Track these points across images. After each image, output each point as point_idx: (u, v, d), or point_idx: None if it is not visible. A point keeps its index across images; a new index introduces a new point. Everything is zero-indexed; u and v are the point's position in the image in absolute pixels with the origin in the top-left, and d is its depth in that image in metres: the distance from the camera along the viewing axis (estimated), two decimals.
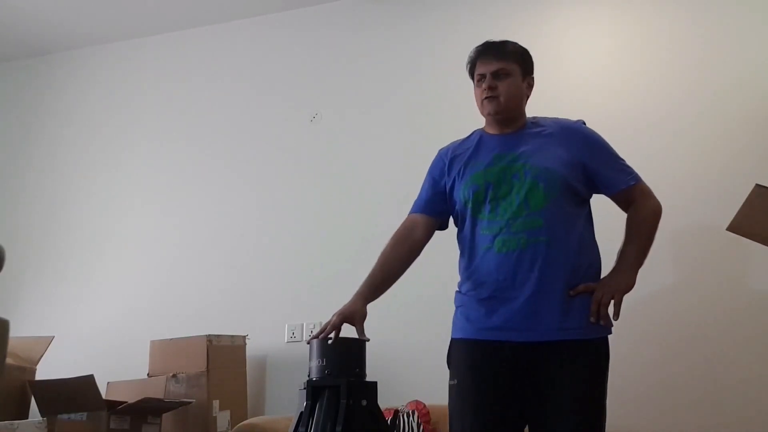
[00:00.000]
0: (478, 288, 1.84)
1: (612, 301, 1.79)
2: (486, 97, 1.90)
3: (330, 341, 1.74)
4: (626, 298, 2.72)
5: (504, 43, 1.96)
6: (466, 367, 1.82)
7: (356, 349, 1.77)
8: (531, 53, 2.00)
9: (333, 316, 1.80)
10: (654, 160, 2.90)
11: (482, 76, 1.92)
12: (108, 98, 4.03)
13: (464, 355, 1.83)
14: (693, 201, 2.80)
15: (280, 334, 3.24)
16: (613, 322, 1.82)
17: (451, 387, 1.83)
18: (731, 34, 2.96)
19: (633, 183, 1.90)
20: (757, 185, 1.85)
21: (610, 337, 1.83)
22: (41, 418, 2.41)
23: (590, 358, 1.76)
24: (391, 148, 3.35)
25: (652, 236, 1.89)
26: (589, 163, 1.88)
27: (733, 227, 1.94)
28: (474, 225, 1.88)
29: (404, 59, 3.48)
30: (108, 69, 4.10)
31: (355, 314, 1.81)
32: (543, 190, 1.80)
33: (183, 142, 3.79)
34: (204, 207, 3.62)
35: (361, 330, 1.81)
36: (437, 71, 3.36)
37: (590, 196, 1.94)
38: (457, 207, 1.93)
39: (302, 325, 3.21)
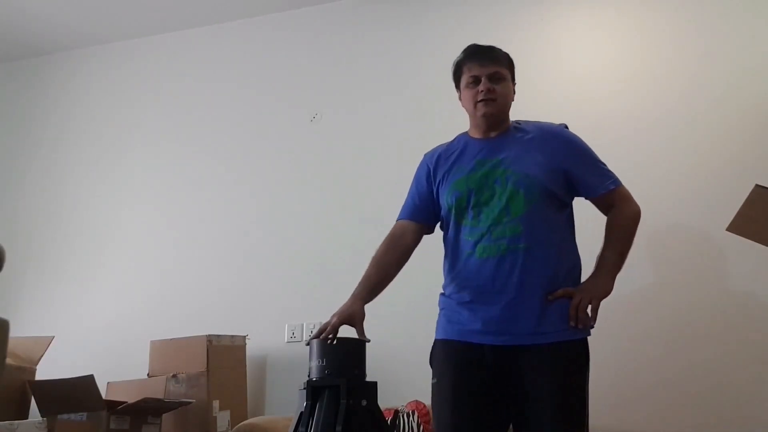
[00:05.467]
0: (461, 291, 1.88)
1: (590, 307, 1.82)
2: (483, 99, 1.92)
3: (329, 341, 1.74)
4: (630, 297, 2.74)
5: (493, 48, 1.99)
6: (445, 366, 1.85)
7: (356, 349, 1.76)
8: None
9: (332, 316, 1.81)
10: (654, 159, 2.91)
11: (476, 78, 1.94)
12: (108, 98, 4.03)
13: (445, 355, 1.87)
14: (692, 201, 2.80)
15: (280, 334, 3.24)
16: (594, 324, 1.85)
17: (432, 385, 1.87)
18: (731, 33, 2.96)
19: (613, 187, 1.93)
20: (757, 185, 1.85)
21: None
22: (41, 418, 2.41)
23: (567, 360, 1.78)
24: (391, 148, 3.35)
25: (631, 240, 1.92)
26: (570, 168, 1.91)
27: (733, 227, 1.94)
28: (458, 231, 1.91)
29: (404, 59, 3.48)
30: (108, 69, 4.10)
31: (354, 315, 1.82)
32: (523, 197, 1.83)
33: (183, 142, 3.79)
34: (204, 207, 3.62)
35: (361, 331, 1.81)
36: (438, 71, 3.32)
37: (571, 200, 1.96)
38: (442, 212, 1.98)
39: (302, 325, 3.21)
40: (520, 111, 3.00)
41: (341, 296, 1.91)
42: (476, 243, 1.85)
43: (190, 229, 3.60)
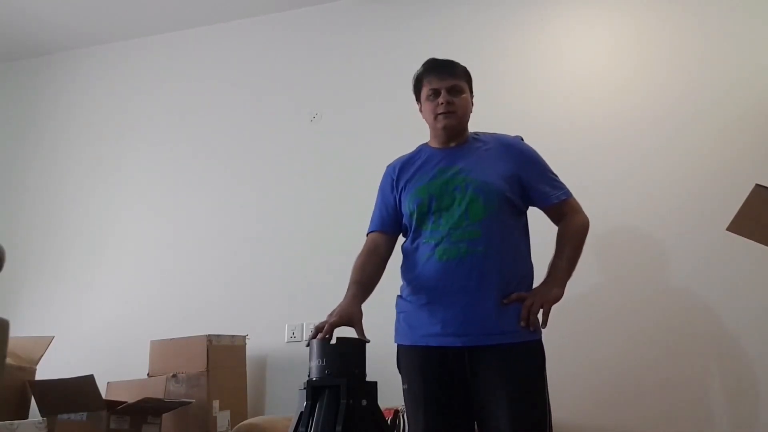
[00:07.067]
0: (419, 294, 1.92)
1: (541, 310, 1.87)
2: (443, 112, 1.99)
3: (330, 341, 1.74)
4: (632, 297, 2.73)
5: (452, 62, 2.05)
6: (413, 373, 1.90)
7: (356, 349, 1.76)
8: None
9: (329, 316, 1.81)
10: (654, 159, 2.91)
11: (435, 91, 2.01)
12: (108, 98, 4.03)
13: (410, 362, 1.92)
14: (692, 201, 2.80)
15: (280, 334, 3.24)
16: (545, 327, 1.89)
17: (404, 391, 1.92)
18: (731, 33, 2.96)
19: (564, 198, 1.99)
20: (757, 185, 1.85)
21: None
22: (41, 418, 2.40)
23: (526, 360, 1.83)
24: (391, 149, 3.33)
25: (580, 248, 1.98)
26: (525, 177, 1.97)
27: (733, 227, 1.94)
28: (418, 235, 1.96)
29: (404, 59, 3.45)
30: (108, 69, 4.10)
31: (353, 316, 1.83)
32: (482, 203, 1.89)
33: (182, 142, 3.79)
34: (204, 207, 3.62)
35: (360, 331, 1.82)
36: None
37: (526, 209, 2.02)
38: (404, 219, 2.03)
39: (302, 325, 3.21)
40: (520, 110, 3.01)
41: (342, 296, 1.91)
42: (436, 245, 1.89)
43: (190, 229, 3.60)
